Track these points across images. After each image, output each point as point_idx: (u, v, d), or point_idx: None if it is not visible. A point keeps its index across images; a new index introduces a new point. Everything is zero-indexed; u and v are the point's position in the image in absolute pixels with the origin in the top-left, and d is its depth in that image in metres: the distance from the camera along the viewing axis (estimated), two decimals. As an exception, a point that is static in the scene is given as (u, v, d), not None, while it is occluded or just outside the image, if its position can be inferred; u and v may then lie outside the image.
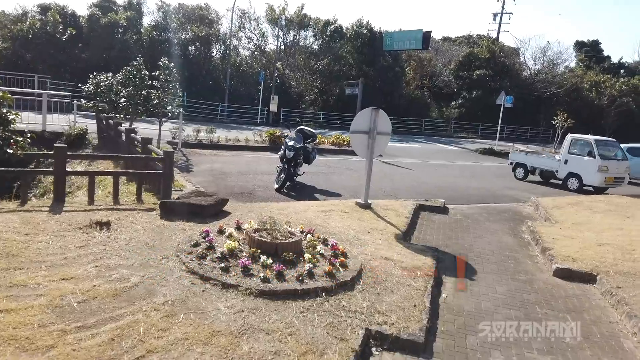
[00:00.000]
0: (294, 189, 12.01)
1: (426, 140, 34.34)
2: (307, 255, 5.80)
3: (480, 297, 6.18)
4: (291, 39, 39.40)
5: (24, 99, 17.43)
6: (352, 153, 19.97)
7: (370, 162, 9.62)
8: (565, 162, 16.18)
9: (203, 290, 4.94)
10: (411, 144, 29.97)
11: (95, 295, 4.58)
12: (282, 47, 39.76)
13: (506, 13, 48.80)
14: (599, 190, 15.64)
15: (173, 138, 17.54)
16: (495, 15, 49.16)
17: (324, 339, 4.34)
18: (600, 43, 59.83)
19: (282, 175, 11.57)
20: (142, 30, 32.88)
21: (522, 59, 48.40)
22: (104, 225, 6.47)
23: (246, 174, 13.41)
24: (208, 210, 7.51)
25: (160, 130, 16.26)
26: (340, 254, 6.19)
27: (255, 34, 39.09)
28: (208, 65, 35.30)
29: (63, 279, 4.84)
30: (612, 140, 16.97)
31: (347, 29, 39.12)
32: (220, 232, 6.49)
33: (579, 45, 58.52)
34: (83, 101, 16.13)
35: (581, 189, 15.75)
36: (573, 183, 15.95)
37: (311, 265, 5.57)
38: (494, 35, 50.17)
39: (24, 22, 28.99)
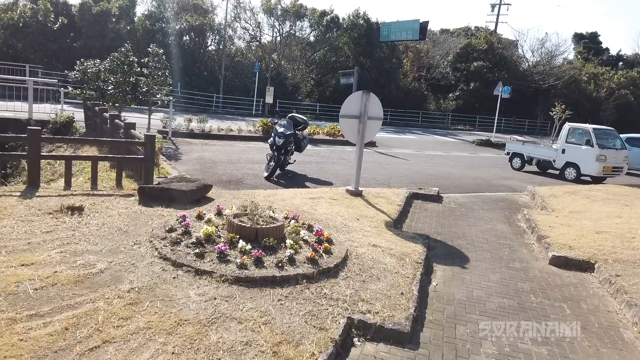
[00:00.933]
0: (284, 177, 11.68)
1: (423, 132, 33.98)
2: (288, 241, 5.47)
3: (472, 285, 5.87)
4: (287, 30, 38.92)
5: (12, 87, 17.05)
6: (347, 143, 19.65)
7: (360, 147, 9.28)
8: (563, 151, 15.86)
9: (174, 277, 4.61)
10: (407, 135, 29.63)
11: (55, 282, 4.25)
12: (278, 37, 39.29)
13: (504, 4, 48.28)
14: (596, 180, 15.34)
15: (164, 127, 17.15)
16: (493, 6, 48.65)
17: (302, 328, 4.02)
18: (599, 35, 59.46)
19: (272, 163, 11.22)
20: (135, 19, 32.34)
21: (520, 50, 47.99)
22: (76, 210, 6.13)
23: (236, 162, 13.07)
24: (189, 196, 7.17)
25: (149, 118, 15.89)
26: (325, 240, 5.87)
27: (250, 24, 38.59)
28: (203, 56, 34.83)
29: (22, 265, 4.51)
30: (611, 129, 16.66)
31: (343, 19, 38.63)
32: (199, 217, 6.16)
33: (578, 38, 58.10)
34: (70, 88, 15.71)
35: (579, 179, 15.44)
36: (570, 173, 15.63)
37: (292, 252, 5.25)
38: (492, 27, 49.70)
39: (15, 11, 28.44)
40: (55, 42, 29.19)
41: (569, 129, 15.94)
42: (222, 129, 18.98)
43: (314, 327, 4.08)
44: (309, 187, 10.56)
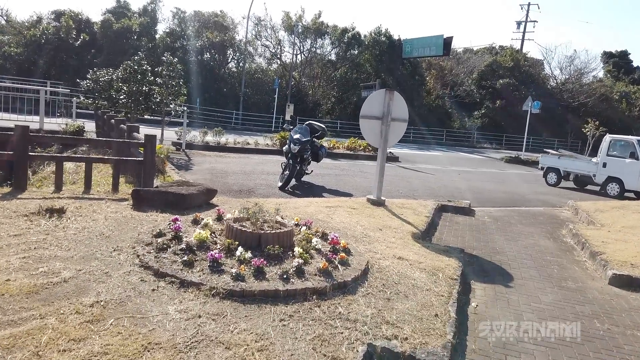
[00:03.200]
0: (300, 188, 10.81)
1: (447, 149, 32.83)
2: (297, 249, 4.56)
3: (520, 307, 4.83)
4: (308, 47, 38.55)
5: (24, 99, 16.75)
6: (368, 158, 18.76)
7: (383, 152, 8.36)
8: (604, 165, 14.60)
9: (153, 290, 3.73)
10: (431, 152, 28.55)
11: (3, 293, 3.41)
12: (299, 55, 38.96)
13: (530, 21, 47.14)
14: (642, 196, 14.04)
15: (178, 139, 16.56)
16: (519, 23, 47.54)
17: (308, 357, 3.09)
18: (629, 54, 57.49)
19: (287, 172, 10.37)
20: (156, 37, 32.36)
21: (547, 68, 46.65)
22: (56, 212, 5.34)
23: (250, 173, 12.27)
24: (189, 200, 6.34)
25: (163, 129, 15.30)
26: (342, 249, 4.94)
27: (271, 41, 38.35)
28: (223, 73, 34.58)
29: (-30, 271, 3.70)
30: (657, 141, 15.34)
31: (365, 36, 38.10)
32: (195, 222, 5.30)
33: (607, 56, 56.35)
34: (82, 98, 15.27)
35: (622, 195, 14.14)
36: (613, 188, 14.34)
37: (301, 261, 4.32)
38: (517, 45, 48.50)
39: (37, 28, 28.70)
40: (77, 59, 29.26)
41: (611, 141, 14.71)
42: (238, 142, 18.32)
43: (324, 355, 3.14)
44: (326, 197, 9.65)
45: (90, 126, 15.38)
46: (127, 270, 4.02)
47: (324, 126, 11.90)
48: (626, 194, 14.22)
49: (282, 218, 5.63)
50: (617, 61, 55.15)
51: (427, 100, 40.43)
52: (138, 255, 4.27)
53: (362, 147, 20.21)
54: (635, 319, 4.80)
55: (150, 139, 7.15)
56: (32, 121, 15.35)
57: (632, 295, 5.50)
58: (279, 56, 38.94)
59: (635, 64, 57.16)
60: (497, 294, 5.17)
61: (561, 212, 10.91)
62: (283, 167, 10.71)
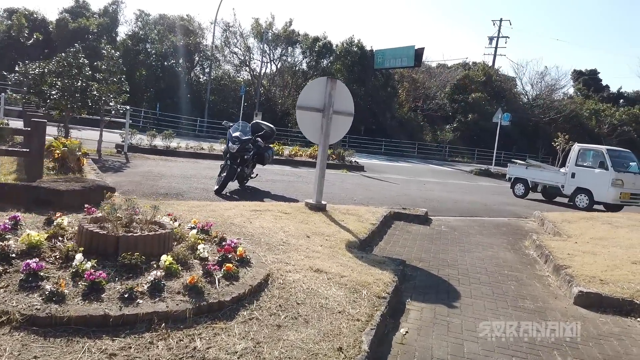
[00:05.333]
0: (241, 193, 9.65)
1: (418, 161, 32.12)
2: (164, 258, 3.40)
3: (462, 334, 3.76)
4: (278, 55, 37.59)
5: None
6: (332, 167, 17.70)
7: (324, 149, 7.29)
8: (572, 175, 13.84)
9: None
10: (401, 163, 27.74)
11: None
12: (269, 63, 37.95)
13: (502, 37, 47.40)
14: (612, 208, 13.28)
15: (122, 141, 15.25)
16: (491, 39, 47.76)
17: None
18: (599, 72, 58.58)
19: (224, 174, 9.19)
20: (117, 38, 30.94)
21: (519, 83, 46.78)
22: None
23: (190, 177, 11.04)
24: (68, 199, 5.13)
25: (101, 130, 13.96)
26: (236, 259, 3.81)
27: (240, 48, 37.23)
28: (188, 78, 33.29)
29: None
30: (627, 151, 14.73)
31: (336, 46, 37.37)
32: (49, 223, 4.09)
33: (577, 74, 57.22)
34: (9, 92, 13.84)
35: (591, 207, 13.37)
36: (582, 200, 13.57)
37: (161, 274, 3.17)
38: (489, 60, 48.65)
39: (-15, 26, 27.11)
40: (29, 58, 27.57)
41: (579, 151, 14.00)
42: (190, 147, 17.08)
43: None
44: (263, 202, 8.50)
45: (18, 125, 13.95)
46: None
47: (272, 126, 10.79)
48: (596, 206, 13.48)
49: (175, 220, 4.48)
50: (587, 79, 56.02)
51: (400, 112, 39.86)
52: None
53: (325, 155, 19.16)
54: (605, 350, 3.78)
55: (37, 125, 5.94)
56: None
57: (601, 319, 4.50)
58: (247, 63, 37.85)
59: (604, 83, 58.27)
60: (436, 316, 4.10)
61: (526, 223, 10.00)
62: (221, 168, 9.54)
